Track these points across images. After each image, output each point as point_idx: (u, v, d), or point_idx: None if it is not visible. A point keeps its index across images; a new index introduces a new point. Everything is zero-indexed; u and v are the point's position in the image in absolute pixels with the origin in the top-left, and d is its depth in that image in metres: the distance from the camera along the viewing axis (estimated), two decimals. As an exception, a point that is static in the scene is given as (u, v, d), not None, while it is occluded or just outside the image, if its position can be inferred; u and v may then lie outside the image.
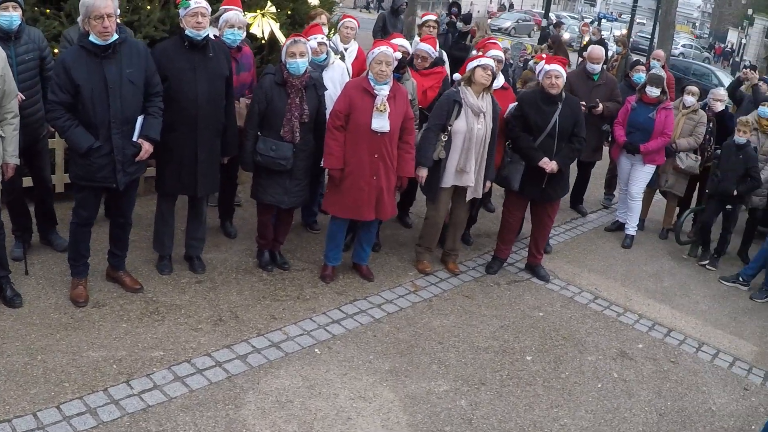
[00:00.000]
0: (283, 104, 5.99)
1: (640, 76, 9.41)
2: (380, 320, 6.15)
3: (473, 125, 6.58)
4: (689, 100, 9.00)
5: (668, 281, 8.15)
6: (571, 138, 7.02)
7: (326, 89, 6.47)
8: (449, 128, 6.60)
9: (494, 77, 6.73)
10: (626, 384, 5.81)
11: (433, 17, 8.77)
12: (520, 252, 7.95)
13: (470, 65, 6.68)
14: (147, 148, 5.38)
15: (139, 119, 5.30)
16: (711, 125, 9.15)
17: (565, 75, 6.93)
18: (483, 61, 6.58)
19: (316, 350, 5.54)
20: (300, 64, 5.98)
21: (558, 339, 6.31)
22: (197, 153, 5.83)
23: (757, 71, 12.26)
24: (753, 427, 5.57)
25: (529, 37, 40.57)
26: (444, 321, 6.32)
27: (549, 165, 6.85)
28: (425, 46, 7.43)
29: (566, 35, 21.60)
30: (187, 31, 5.63)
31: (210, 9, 5.74)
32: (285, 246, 6.94)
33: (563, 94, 6.95)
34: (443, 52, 8.90)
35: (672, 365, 6.26)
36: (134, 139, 5.30)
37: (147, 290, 5.95)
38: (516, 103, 7.23)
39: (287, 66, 5.99)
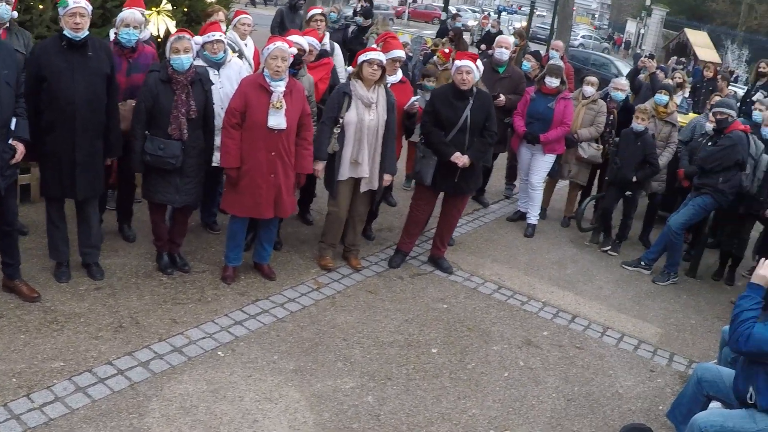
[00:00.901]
0: (169, 101, 6.04)
1: (526, 64, 10.09)
2: (283, 319, 6.26)
3: (364, 116, 6.79)
4: (588, 90, 9.50)
5: (571, 268, 8.54)
6: (482, 132, 7.30)
7: (213, 84, 6.52)
8: (341, 120, 6.79)
9: (383, 72, 6.95)
10: (533, 372, 6.08)
11: (319, 11, 8.96)
12: (423, 245, 8.17)
13: (359, 60, 6.89)
14: (21, 149, 5.35)
15: (13, 121, 5.28)
16: (612, 116, 9.65)
17: (476, 70, 7.19)
18: (369, 56, 6.80)
19: (220, 353, 5.60)
20: (184, 60, 6.05)
21: (463, 330, 6.55)
22: (75, 155, 5.81)
23: (654, 60, 13.03)
24: (660, 408, 5.90)
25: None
26: (348, 317, 6.46)
27: (461, 159, 7.11)
28: (309, 39, 7.62)
29: (471, 22, 22.32)
30: (65, 31, 5.63)
31: (90, 9, 5.75)
32: (185, 247, 6.98)
33: (474, 88, 7.22)
34: (334, 44, 9.16)
35: (578, 351, 6.58)
36: (9, 141, 5.28)
37: (45, 299, 5.90)
38: (416, 96, 7.52)
39: (171, 62, 6.05)
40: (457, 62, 7.20)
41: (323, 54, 7.86)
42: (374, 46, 7.71)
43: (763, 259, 4.93)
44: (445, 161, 7.16)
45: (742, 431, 4.66)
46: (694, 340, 7.32)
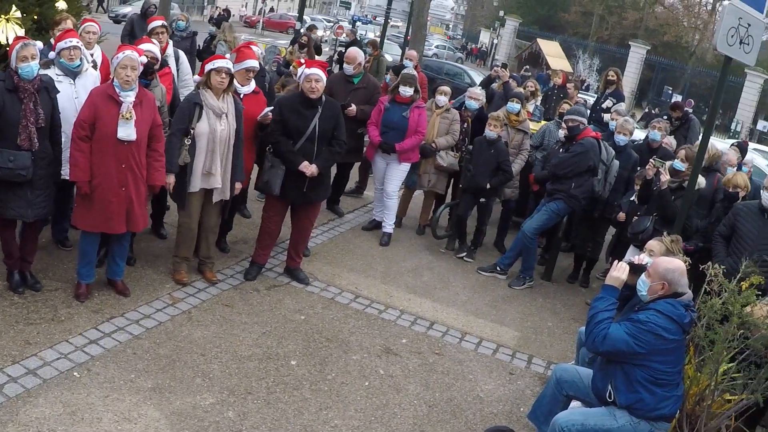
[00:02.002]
0: (17, 111, 5.96)
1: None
2: (139, 336, 6.26)
3: (216, 126, 6.89)
4: (441, 99, 9.91)
5: (428, 275, 8.86)
6: (331, 141, 7.53)
7: (59, 92, 6.45)
8: (192, 131, 6.86)
9: (231, 80, 7.07)
10: (393, 380, 6.31)
11: (160, 23, 8.99)
12: (279, 256, 8.31)
13: (206, 68, 6.99)
14: None
15: None
16: (466, 125, 10.10)
17: (324, 79, 7.43)
18: (217, 64, 6.91)
19: (75, 374, 5.57)
20: (33, 67, 6.02)
21: (322, 341, 6.72)
22: None
23: (507, 69, 13.68)
24: (521, 409, 6.22)
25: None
26: (205, 332, 6.53)
27: (309, 169, 7.30)
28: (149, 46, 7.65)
29: (320, 32, 22.68)
30: None
31: None
32: (36, 265, 6.85)
33: (323, 97, 7.44)
34: (179, 51, 9.22)
35: (437, 357, 6.87)
36: None
37: None
38: (271, 107, 7.66)
39: (19, 71, 5.98)
40: (306, 70, 7.39)
41: (163, 63, 7.92)
42: (221, 54, 7.83)
43: (616, 261, 5.35)
44: (293, 171, 7.33)
45: (603, 429, 4.99)
46: (552, 342, 7.77)
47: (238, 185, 7.39)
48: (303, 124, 7.36)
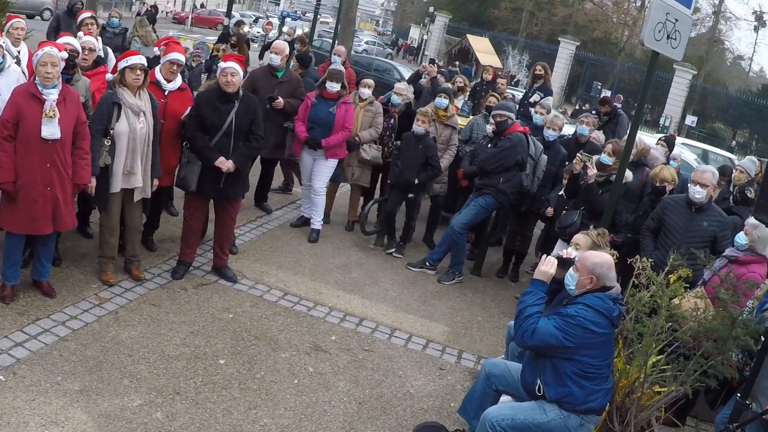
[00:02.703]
0: None
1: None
2: (66, 338, 6.18)
3: (135, 125, 6.83)
4: (365, 92, 9.96)
5: (357, 272, 8.92)
6: (248, 136, 7.49)
7: None
8: (111, 131, 6.77)
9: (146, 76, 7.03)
10: (323, 377, 6.35)
11: (89, 14, 8.90)
12: (207, 254, 8.27)
13: (119, 66, 6.90)
14: None
15: None
16: (393, 120, 10.21)
17: (241, 72, 7.39)
18: (130, 61, 6.83)
19: (1, 377, 5.48)
20: None
21: (250, 339, 6.73)
22: None
23: (435, 65, 13.82)
24: (452, 405, 6.30)
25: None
26: (132, 332, 6.47)
27: (225, 164, 7.28)
28: (87, 38, 7.59)
29: (246, 27, 22.66)
30: None
31: None
32: None
33: (240, 91, 7.41)
34: (108, 49, 9.16)
35: (367, 353, 6.93)
36: None
37: None
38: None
39: None
40: (222, 64, 7.36)
41: (99, 61, 7.85)
42: (135, 50, 7.79)
43: (544, 255, 5.42)
44: (209, 166, 7.31)
45: (533, 423, 5.06)
46: (482, 337, 7.89)
47: (156, 182, 7.33)
48: (219, 118, 7.32)
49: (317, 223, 9.78)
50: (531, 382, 5.21)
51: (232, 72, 7.27)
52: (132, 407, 5.45)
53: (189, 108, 7.60)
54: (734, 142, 44.93)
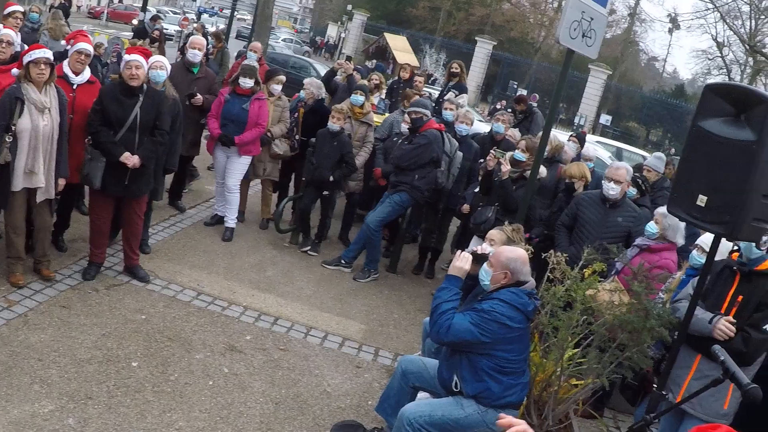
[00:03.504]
0: None
1: None
2: None
3: (38, 122, 6.68)
4: (276, 88, 9.98)
5: (271, 270, 8.89)
6: (153, 131, 7.38)
7: None
8: (13, 128, 6.60)
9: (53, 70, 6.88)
10: (238, 378, 6.30)
11: (19, 8, 8.73)
12: (119, 254, 8.13)
13: (24, 60, 6.74)
14: None
15: None
16: (296, 115, 10.24)
17: (146, 65, 7.30)
18: (35, 55, 6.68)
19: None
20: None
21: (163, 340, 6.64)
22: None
23: (351, 62, 13.86)
24: (369, 403, 6.33)
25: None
26: (42, 336, 6.32)
27: (131, 160, 7.15)
28: (6, 31, 7.43)
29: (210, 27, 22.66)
30: None
31: None
32: None
33: (144, 85, 7.29)
34: (25, 46, 8.95)
35: (282, 353, 6.91)
36: None
37: None
38: None
39: None
40: (126, 56, 7.24)
41: (16, 57, 7.66)
42: (43, 44, 7.65)
43: (459, 251, 5.44)
44: (114, 162, 7.17)
45: (451, 419, 5.09)
46: (398, 334, 7.94)
47: (62, 181, 7.17)
48: (124, 113, 7.19)
49: (231, 221, 9.73)
50: (448, 378, 5.24)
51: (137, 65, 7.15)
52: (43, 413, 5.33)
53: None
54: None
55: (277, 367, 6.68)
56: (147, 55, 7.42)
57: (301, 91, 10.56)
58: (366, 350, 7.44)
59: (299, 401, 6.21)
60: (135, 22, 23.12)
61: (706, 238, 6.17)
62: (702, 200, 4.68)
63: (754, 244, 5.27)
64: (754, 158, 4.39)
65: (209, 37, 15.55)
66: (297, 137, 10.21)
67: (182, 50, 15.01)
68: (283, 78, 10.29)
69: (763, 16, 39.99)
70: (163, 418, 5.57)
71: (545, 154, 8.60)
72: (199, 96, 9.42)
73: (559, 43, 7.14)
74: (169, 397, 5.84)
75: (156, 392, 5.87)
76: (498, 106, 17.67)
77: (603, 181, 7.62)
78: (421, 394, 5.70)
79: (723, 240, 5.09)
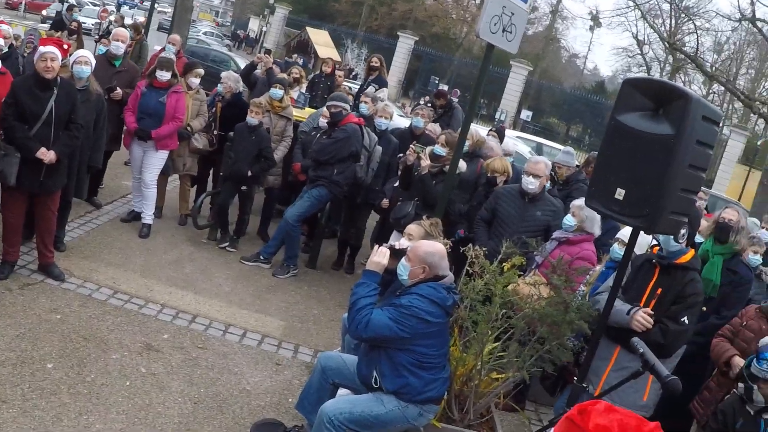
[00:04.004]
0: None
1: None
2: None
3: None
4: (194, 81, 9.89)
5: (189, 267, 8.78)
6: (68, 125, 7.23)
7: None
8: None
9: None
10: (156, 377, 6.21)
11: None
12: (33, 252, 7.92)
13: None
14: None
15: None
16: (214, 109, 10.18)
17: (60, 57, 7.11)
18: None
19: None
20: None
21: (79, 341, 6.50)
22: None
23: (271, 55, 13.81)
24: (290, 400, 6.28)
25: None
26: (-47, 338, 6.16)
27: (47, 155, 7.00)
28: None
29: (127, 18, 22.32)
30: None
31: None
32: None
33: (59, 78, 7.13)
34: None
35: (201, 351, 6.84)
36: None
37: None
38: None
39: None
40: (41, 48, 7.08)
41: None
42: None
43: (377, 245, 5.48)
44: (29, 158, 7.01)
45: (371, 415, 5.09)
46: (318, 330, 7.93)
47: None
48: (39, 107, 7.02)
49: (148, 217, 9.57)
50: (367, 374, 5.25)
51: (52, 57, 6.98)
52: (-47, 418, 5.18)
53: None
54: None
55: (195, 365, 6.60)
56: (60, 46, 7.23)
57: (219, 85, 10.46)
58: (285, 347, 7.41)
59: (218, 400, 6.15)
60: (44, 13, 22.72)
61: (626, 231, 6.27)
62: (620, 194, 4.72)
63: (672, 237, 5.41)
64: (671, 152, 4.46)
65: (129, 30, 15.33)
66: (215, 132, 10.12)
67: (101, 41, 14.80)
68: (201, 71, 10.19)
69: (683, 15, 41.06)
70: (80, 420, 5.46)
71: (466, 148, 8.67)
72: (119, 90, 9.29)
73: (480, 38, 7.16)
74: (86, 399, 5.73)
75: (72, 394, 5.75)
76: (422, 102, 17.74)
77: (522, 175, 7.69)
78: (341, 391, 5.68)
79: (643, 234, 5.22)
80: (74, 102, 7.30)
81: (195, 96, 9.95)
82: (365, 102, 10.33)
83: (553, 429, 2.09)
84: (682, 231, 5.30)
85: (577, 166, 9.82)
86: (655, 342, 5.18)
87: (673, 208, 4.59)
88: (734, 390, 5.55)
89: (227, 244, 9.74)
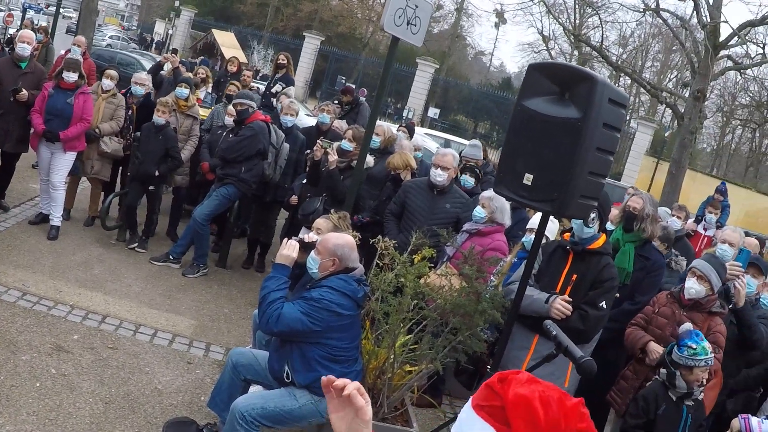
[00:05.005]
0: None
1: None
2: None
3: None
4: (107, 83, 9.78)
5: (99, 268, 8.69)
6: None
7: None
8: None
9: None
10: (66, 378, 6.14)
11: None
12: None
13: None
14: None
15: None
16: (131, 111, 10.05)
17: None
18: None
19: None
20: None
21: (-12, 343, 6.39)
22: None
23: (177, 55, 13.74)
24: (202, 399, 6.26)
25: None
26: None
27: None
28: None
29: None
30: None
31: None
32: None
33: None
34: None
35: (111, 351, 6.78)
36: None
37: None
38: None
39: None
40: None
41: None
42: None
43: (286, 239, 5.43)
44: None
45: (284, 409, 5.09)
46: (229, 328, 7.94)
47: None
48: None
49: (56, 219, 9.45)
50: (278, 369, 5.24)
51: None
52: None
53: None
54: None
55: (106, 366, 6.55)
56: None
57: (136, 86, 10.35)
58: (197, 346, 7.40)
59: (130, 400, 6.11)
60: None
61: (537, 221, 6.23)
62: (528, 179, 4.69)
63: (584, 223, 5.52)
64: (579, 135, 4.44)
65: (37, 34, 15.06)
66: (132, 135, 10.01)
67: (7, 45, 14.53)
68: (113, 73, 10.08)
69: (588, 9, 41.86)
70: (-11, 422, 5.37)
71: (378, 145, 8.78)
72: (24, 92, 9.12)
73: (384, 30, 7.16)
74: (-5, 401, 5.63)
75: (-20, 396, 5.64)
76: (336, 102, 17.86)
77: (432, 168, 7.73)
78: (253, 388, 5.67)
79: (553, 221, 5.28)
80: None
81: (110, 99, 9.85)
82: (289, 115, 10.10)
83: (471, 397, 2.09)
84: (592, 215, 5.35)
85: (484, 159, 9.99)
86: (575, 329, 5.24)
87: (582, 191, 4.58)
88: (656, 377, 5.63)
89: (136, 244, 9.66)
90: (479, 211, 7.06)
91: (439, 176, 7.62)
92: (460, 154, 9.44)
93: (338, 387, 2.19)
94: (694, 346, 5.29)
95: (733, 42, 22.12)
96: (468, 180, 8.52)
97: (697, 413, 5.47)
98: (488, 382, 2.02)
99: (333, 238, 5.28)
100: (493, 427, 1.95)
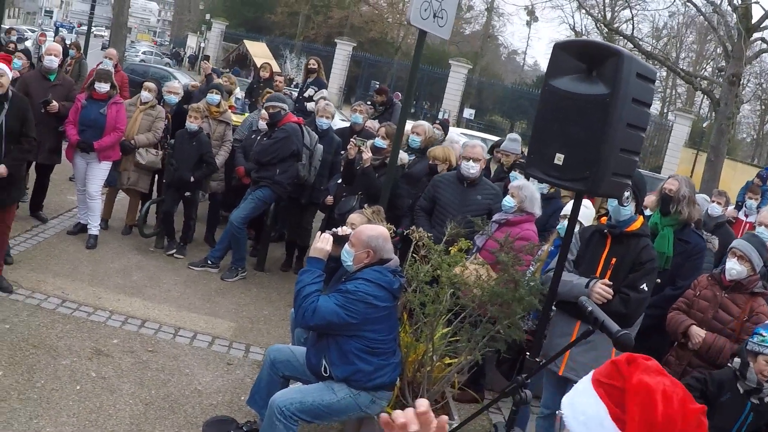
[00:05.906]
0: None
1: None
2: None
3: None
4: (146, 95, 9.91)
5: (137, 275, 8.79)
6: (19, 138, 7.26)
7: None
8: None
9: None
10: (106, 381, 6.22)
11: None
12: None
13: None
14: None
15: None
16: (167, 120, 10.16)
17: (9, 74, 7.17)
18: None
19: None
20: None
21: (29, 348, 6.49)
22: None
23: (209, 62, 13.85)
24: (242, 398, 6.28)
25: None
26: None
27: None
28: None
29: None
30: None
31: None
32: None
33: (9, 92, 7.16)
34: None
35: (151, 354, 6.85)
36: None
37: None
38: None
39: None
40: None
41: None
42: None
43: (319, 232, 5.41)
44: None
45: (323, 404, 5.07)
46: (269, 330, 7.99)
47: None
48: None
49: (94, 228, 9.58)
50: (316, 363, 5.22)
51: (1, 73, 7.05)
52: None
53: None
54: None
55: (145, 368, 6.62)
56: (8, 62, 7.31)
57: (170, 95, 10.49)
58: (236, 347, 7.45)
59: (170, 401, 6.16)
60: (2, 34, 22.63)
61: (570, 207, 6.33)
62: (559, 158, 4.62)
63: (620, 206, 5.38)
64: (608, 112, 4.37)
65: (70, 50, 15.28)
66: (168, 142, 10.10)
67: (39, 60, 14.76)
68: (151, 85, 10.22)
69: (620, 1, 41.52)
70: (30, 424, 5.46)
71: (419, 144, 8.77)
72: (54, 103, 9.25)
73: (410, 24, 7.12)
74: (36, 404, 5.72)
75: (22, 399, 5.74)
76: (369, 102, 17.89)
77: (462, 161, 7.68)
78: (292, 384, 5.67)
79: (586, 206, 5.17)
80: (26, 115, 7.34)
81: (148, 111, 9.98)
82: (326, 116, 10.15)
83: (593, 370, 2.01)
84: (626, 194, 5.27)
85: (523, 153, 9.92)
86: (616, 312, 5.10)
87: (615, 169, 4.51)
88: (729, 364, 5.48)
89: (174, 251, 9.77)
90: (509, 201, 7.03)
91: (472, 168, 7.56)
92: (498, 147, 9.40)
93: (402, 424, 1.79)
94: (764, 334, 5.19)
95: (766, 24, 21.78)
96: (517, 177, 8.44)
97: (759, 413, 5.26)
98: (615, 359, 1.98)
99: (367, 229, 5.26)
100: (606, 407, 1.92)
